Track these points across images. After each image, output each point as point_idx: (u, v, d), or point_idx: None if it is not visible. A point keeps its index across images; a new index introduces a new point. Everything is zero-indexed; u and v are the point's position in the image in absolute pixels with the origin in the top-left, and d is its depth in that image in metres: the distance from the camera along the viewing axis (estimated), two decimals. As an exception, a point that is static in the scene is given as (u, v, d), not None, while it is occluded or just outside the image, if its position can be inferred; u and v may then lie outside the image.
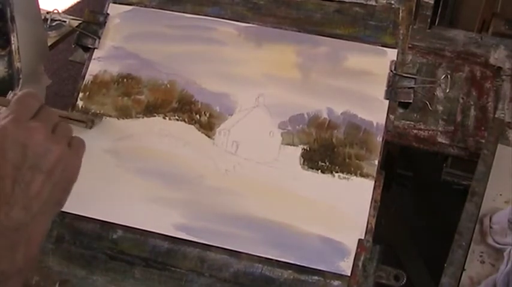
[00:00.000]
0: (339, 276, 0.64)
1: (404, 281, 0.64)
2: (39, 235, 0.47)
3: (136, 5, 0.77)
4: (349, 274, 0.64)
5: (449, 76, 0.97)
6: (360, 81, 0.70)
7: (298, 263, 0.65)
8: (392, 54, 0.71)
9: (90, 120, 0.67)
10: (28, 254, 0.46)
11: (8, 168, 0.45)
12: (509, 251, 0.71)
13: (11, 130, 0.46)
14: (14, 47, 0.62)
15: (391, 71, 0.70)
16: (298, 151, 0.69)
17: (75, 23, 0.83)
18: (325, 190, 0.67)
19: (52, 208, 0.48)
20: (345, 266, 0.64)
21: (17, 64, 0.61)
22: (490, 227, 0.73)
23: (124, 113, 0.72)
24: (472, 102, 0.97)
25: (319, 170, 0.68)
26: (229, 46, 0.74)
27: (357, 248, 0.64)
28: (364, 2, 0.74)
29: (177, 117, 0.72)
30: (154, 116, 0.72)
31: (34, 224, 0.46)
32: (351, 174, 0.67)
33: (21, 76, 0.60)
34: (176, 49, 0.74)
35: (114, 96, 0.73)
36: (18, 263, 0.45)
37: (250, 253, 0.66)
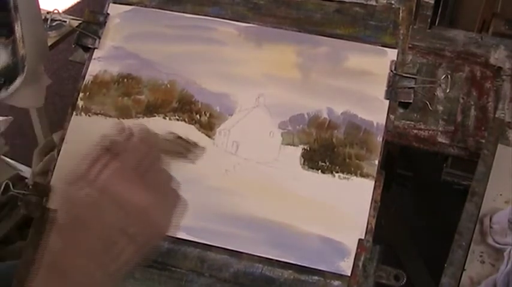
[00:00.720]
0: (339, 276, 0.64)
1: (404, 281, 0.64)
2: None
3: (137, 5, 0.77)
4: (349, 274, 0.64)
5: (449, 76, 0.97)
6: (360, 81, 0.70)
7: (299, 263, 0.65)
8: (392, 54, 0.71)
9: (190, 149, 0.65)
10: None
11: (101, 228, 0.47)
12: (509, 251, 0.71)
13: (114, 186, 0.48)
14: (18, 35, 0.62)
15: (391, 71, 0.70)
16: (298, 151, 0.69)
17: (75, 23, 0.83)
18: (325, 190, 0.67)
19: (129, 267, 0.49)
20: (345, 266, 0.64)
21: (22, 51, 0.62)
22: (490, 227, 0.73)
23: (124, 113, 0.72)
24: (472, 103, 0.97)
25: (319, 170, 0.68)
26: (230, 46, 0.74)
27: (357, 248, 0.64)
28: (364, 2, 0.74)
29: (177, 117, 0.72)
30: (155, 116, 0.72)
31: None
32: (351, 174, 0.67)
33: (26, 63, 0.60)
34: (176, 49, 0.74)
35: (114, 96, 0.73)
36: None
37: (250, 253, 0.66)
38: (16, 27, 0.61)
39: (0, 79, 0.58)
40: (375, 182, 0.67)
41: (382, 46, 0.72)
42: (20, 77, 0.57)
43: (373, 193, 0.67)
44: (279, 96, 0.71)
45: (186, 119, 0.71)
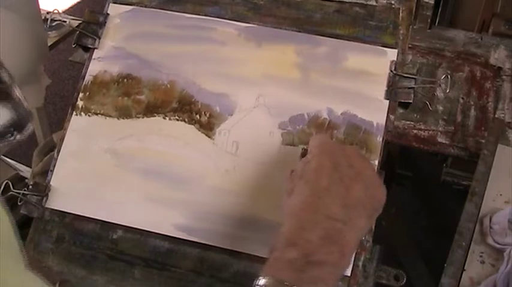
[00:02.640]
0: (339, 276, 0.64)
1: (404, 281, 0.64)
2: (354, 235, 0.52)
3: (137, 5, 0.77)
4: (349, 274, 0.64)
5: (449, 76, 0.97)
6: (360, 82, 0.70)
7: (298, 263, 0.65)
8: (392, 54, 0.71)
9: None
10: (343, 251, 0.50)
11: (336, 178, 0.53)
12: (509, 252, 0.71)
13: (334, 145, 0.57)
14: (16, 96, 0.66)
15: (391, 71, 0.70)
16: (298, 151, 0.69)
17: (75, 23, 0.83)
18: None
19: (364, 213, 0.53)
20: (345, 266, 0.64)
21: (25, 104, 0.65)
22: (490, 228, 0.73)
23: (124, 113, 0.72)
24: (472, 103, 0.97)
25: (319, 170, 0.68)
26: (229, 46, 0.74)
27: (357, 248, 0.64)
28: (364, 2, 0.74)
29: (177, 117, 0.72)
30: (155, 116, 0.72)
31: (349, 224, 0.51)
32: (351, 174, 0.67)
33: (32, 113, 0.64)
34: (176, 49, 0.74)
35: (114, 97, 0.73)
36: (334, 256, 0.49)
37: (250, 253, 0.66)
38: (14, 92, 0.64)
39: (10, 130, 0.63)
40: (375, 182, 0.67)
41: (382, 46, 0.72)
42: (31, 123, 0.61)
43: (373, 193, 0.67)
44: (279, 96, 0.71)
45: (186, 119, 0.71)
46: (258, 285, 0.49)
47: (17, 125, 0.61)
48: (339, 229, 0.51)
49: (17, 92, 0.63)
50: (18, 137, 0.62)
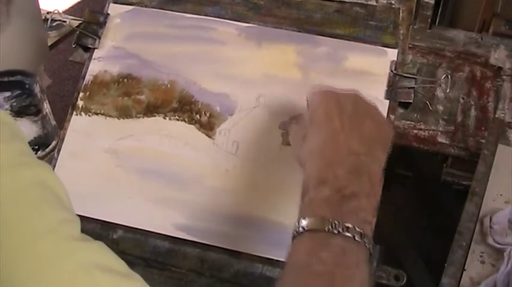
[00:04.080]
0: (339, 276, 0.64)
1: (405, 281, 0.64)
2: (377, 166, 0.54)
3: (137, 5, 0.77)
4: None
5: (449, 76, 0.97)
6: (360, 81, 0.70)
7: (299, 263, 0.65)
8: (392, 54, 0.71)
9: None
10: (372, 180, 0.52)
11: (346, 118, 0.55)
12: (510, 252, 0.71)
13: (335, 91, 0.58)
14: (46, 112, 0.69)
15: (391, 71, 0.70)
16: (298, 151, 0.69)
17: (75, 23, 0.83)
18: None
19: (380, 146, 0.55)
20: (345, 266, 0.64)
21: (53, 123, 0.69)
22: (490, 228, 0.73)
23: (124, 113, 0.72)
24: (472, 102, 0.97)
25: (320, 170, 0.68)
26: (230, 46, 0.74)
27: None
28: (365, 2, 0.74)
29: (177, 117, 0.72)
30: (155, 116, 0.72)
31: (370, 156, 0.53)
32: (351, 174, 0.67)
33: (58, 131, 0.66)
34: (176, 49, 0.74)
35: (114, 96, 0.73)
36: (365, 186, 0.51)
37: (250, 253, 0.66)
38: (44, 107, 0.67)
39: (34, 147, 0.66)
40: (375, 182, 0.67)
41: (382, 46, 0.72)
42: (55, 141, 0.63)
43: (373, 193, 0.66)
44: (279, 96, 0.71)
45: (186, 119, 0.71)
46: (300, 226, 0.50)
47: (42, 142, 0.62)
48: (362, 161, 0.53)
49: (47, 108, 0.65)
50: (40, 154, 0.64)
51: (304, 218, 0.50)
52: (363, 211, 0.50)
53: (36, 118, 0.69)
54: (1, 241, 0.39)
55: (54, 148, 0.60)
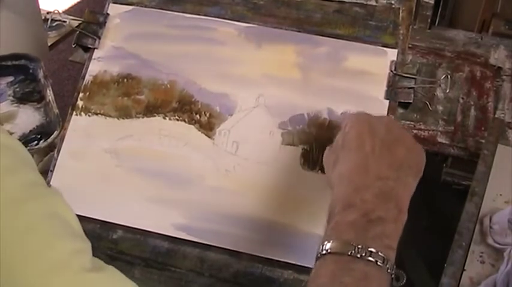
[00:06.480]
0: (339, 276, 0.64)
1: (404, 281, 0.64)
2: (405, 192, 0.54)
3: (137, 5, 0.77)
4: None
5: (449, 76, 0.97)
6: (360, 81, 0.70)
7: (299, 264, 0.65)
8: (392, 54, 0.71)
9: None
10: (399, 206, 0.52)
11: (378, 142, 0.55)
12: (509, 252, 0.71)
13: (369, 115, 0.59)
14: (49, 99, 0.67)
15: (391, 71, 0.70)
16: (298, 151, 0.69)
17: (75, 23, 0.83)
18: (326, 190, 0.67)
19: (410, 172, 0.55)
20: (345, 266, 0.64)
21: (55, 111, 0.68)
22: (490, 228, 0.73)
23: (124, 113, 0.72)
24: (472, 103, 0.97)
25: (320, 171, 0.68)
26: (229, 46, 0.74)
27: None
28: (364, 2, 0.74)
29: (177, 117, 0.72)
30: (154, 116, 0.72)
31: (399, 182, 0.53)
32: (351, 174, 0.67)
33: (60, 119, 0.65)
34: (176, 49, 0.74)
35: (114, 97, 0.73)
36: (391, 212, 0.51)
37: (250, 253, 0.66)
38: (47, 93, 0.66)
39: (36, 136, 0.64)
40: (375, 182, 0.67)
41: (382, 46, 0.72)
42: (57, 130, 0.62)
43: (373, 193, 0.66)
44: (279, 96, 0.71)
45: (186, 119, 0.71)
46: (325, 249, 0.50)
47: (45, 131, 0.61)
48: (391, 187, 0.52)
49: (50, 95, 0.64)
50: (42, 144, 0.63)
51: (329, 241, 0.50)
52: (388, 237, 0.50)
53: (39, 105, 0.68)
54: (14, 279, 0.39)
55: (56, 137, 0.59)
